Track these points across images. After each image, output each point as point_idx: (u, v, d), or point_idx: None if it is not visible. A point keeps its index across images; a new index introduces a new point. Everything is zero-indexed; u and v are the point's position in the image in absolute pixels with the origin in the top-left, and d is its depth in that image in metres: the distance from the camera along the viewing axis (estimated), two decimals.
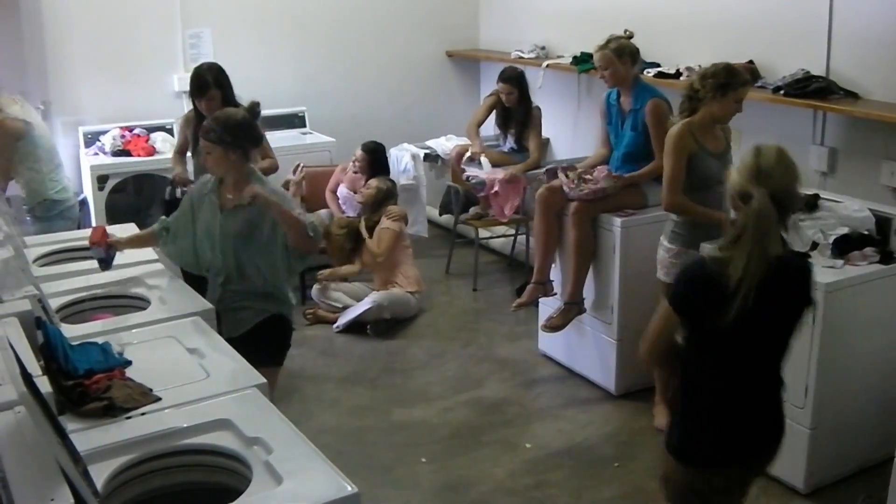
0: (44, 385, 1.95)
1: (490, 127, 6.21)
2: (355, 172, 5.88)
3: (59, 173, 4.99)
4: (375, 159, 5.85)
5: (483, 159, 5.91)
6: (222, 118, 3.36)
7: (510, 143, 6.05)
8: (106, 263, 3.46)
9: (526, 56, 6.62)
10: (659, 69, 5.24)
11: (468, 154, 6.00)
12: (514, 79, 5.88)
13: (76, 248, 4.01)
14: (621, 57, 4.34)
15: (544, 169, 4.91)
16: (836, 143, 4.54)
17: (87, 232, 4.36)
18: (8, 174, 4.82)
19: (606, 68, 4.38)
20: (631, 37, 4.45)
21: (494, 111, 6.08)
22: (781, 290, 2.36)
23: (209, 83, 4.31)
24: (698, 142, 3.78)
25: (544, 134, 6.07)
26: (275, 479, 2.11)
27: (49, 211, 4.86)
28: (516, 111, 5.93)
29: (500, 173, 5.78)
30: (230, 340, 3.04)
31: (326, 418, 4.27)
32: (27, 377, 1.81)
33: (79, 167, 5.99)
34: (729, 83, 3.71)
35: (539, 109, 5.92)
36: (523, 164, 5.80)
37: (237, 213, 3.33)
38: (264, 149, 4.35)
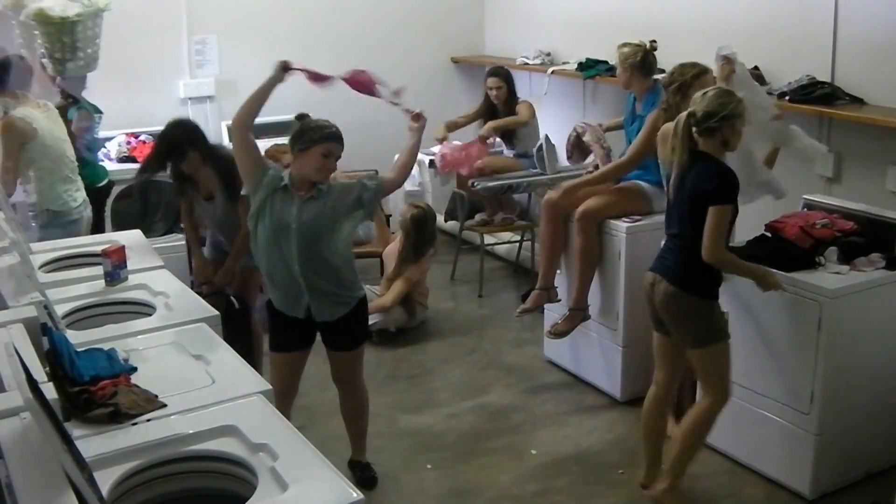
0: (49, 391, 1.95)
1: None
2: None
3: (64, 185, 4.75)
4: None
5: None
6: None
7: (511, 148, 6.13)
8: (111, 278, 3.51)
9: (531, 62, 6.63)
10: (664, 75, 5.23)
11: (438, 135, 6.08)
12: (503, 74, 6.01)
13: (82, 255, 4.02)
14: (626, 62, 4.45)
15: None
16: (842, 148, 4.54)
17: (94, 238, 4.38)
18: (16, 176, 4.66)
19: (620, 67, 4.52)
20: (654, 49, 4.47)
21: (481, 119, 6.20)
22: None
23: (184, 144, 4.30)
24: None
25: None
26: (280, 485, 2.11)
27: (48, 221, 4.70)
28: (502, 111, 6.00)
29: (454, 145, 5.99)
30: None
31: (332, 425, 4.25)
32: (33, 383, 1.81)
33: None
34: (684, 82, 3.82)
35: (529, 103, 6.00)
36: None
37: (310, 204, 3.58)
38: None
